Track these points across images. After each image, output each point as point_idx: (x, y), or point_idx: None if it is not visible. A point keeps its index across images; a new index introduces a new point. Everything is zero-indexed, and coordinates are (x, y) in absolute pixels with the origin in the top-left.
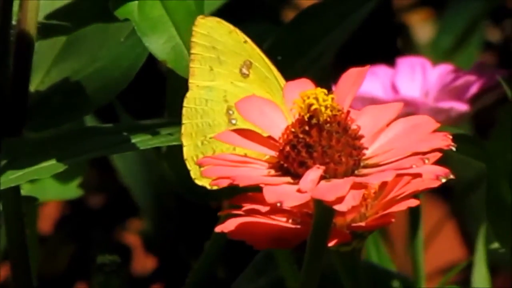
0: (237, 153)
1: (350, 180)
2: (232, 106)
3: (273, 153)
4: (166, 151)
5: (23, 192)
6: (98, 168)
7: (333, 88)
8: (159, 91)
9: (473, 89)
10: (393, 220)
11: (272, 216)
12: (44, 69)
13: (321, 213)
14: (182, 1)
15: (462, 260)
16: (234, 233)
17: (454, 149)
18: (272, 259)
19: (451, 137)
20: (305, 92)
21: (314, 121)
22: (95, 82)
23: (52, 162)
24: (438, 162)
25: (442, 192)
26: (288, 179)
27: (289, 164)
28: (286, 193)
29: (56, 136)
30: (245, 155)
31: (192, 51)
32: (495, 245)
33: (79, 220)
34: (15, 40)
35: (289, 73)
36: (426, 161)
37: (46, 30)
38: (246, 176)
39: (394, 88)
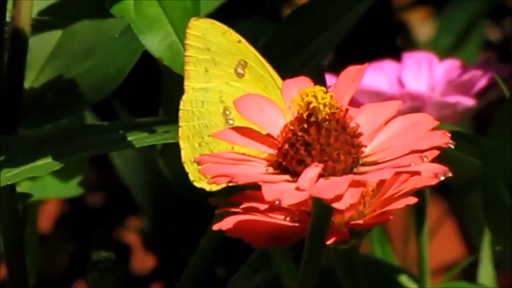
0: (235, 151)
1: (349, 178)
2: (229, 107)
3: (272, 151)
4: (161, 149)
5: (23, 190)
6: (98, 167)
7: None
8: (157, 88)
9: (480, 84)
10: (391, 217)
11: (270, 214)
12: (38, 66)
13: (320, 211)
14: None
15: (461, 258)
16: (232, 231)
17: (452, 147)
18: (268, 257)
19: (449, 135)
20: (303, 90)
21: (312, 119)
22: (90, 79)
23: (49, 160)
24: (437, 160)
25: (441, 191)
26: (287, 177)
27: (288, 162)
28: (284, 191)
29: (53, 134)
30: (244, 154)
31: (187, 53)
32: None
33: (79, 219)
34: (9, 37)
35: (283, 71)
36: (425, 159)
37: (40, 25)
38: (245, 174)
39: (401, 83)
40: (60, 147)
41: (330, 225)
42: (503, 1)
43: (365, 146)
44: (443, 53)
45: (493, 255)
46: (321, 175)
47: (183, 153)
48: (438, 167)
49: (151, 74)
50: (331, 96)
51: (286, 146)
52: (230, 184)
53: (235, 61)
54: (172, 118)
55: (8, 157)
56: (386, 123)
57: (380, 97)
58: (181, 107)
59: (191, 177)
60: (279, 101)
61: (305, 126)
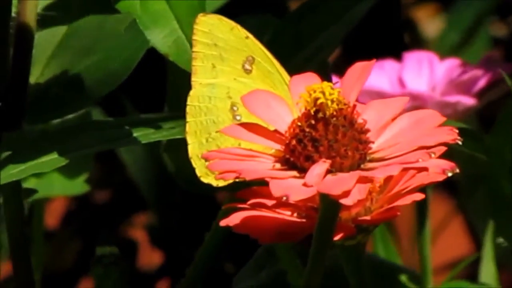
0: (243, 147)
1: (356, 174)
2: (236, 103)
3: (279, 147)
4: (166, 144)
5: (29, 186)
6: (104, 164)
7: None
8: (163, 84)
9: (480, 83)
10: (398, 213)
11: (278, 210)
12: (43, 62)
13: (327, 207)
14: None
15: (468, 256)
16: (239, 227)
17: (460, 143)
18: (273, 253)
19: (457, 131)
20: (311, 86)
21: (320, 115)
22: (95, 74)
23: (54, 156)
24: (443, 157)
25: (448, 188)
26: (294, 173)
27: (295, 158)
28: (292, 187)
29: (58, 129)
30: (251, 150)
31: (194, 49)
32: (501, 240)
33: (86, 216)
34: (14, 33)
35: (288, 67)
36: (432, 155)
37: (45, 21)
38: (253, 169)
39: (401, 82)
40: (66, 143)
41: (337, 221)
42: None
43: (373, 142)
44: (451, 50)
45: (495, 253)
46: (328, 171)
47: (190, 149)
48: (446, 163)
49: (156, 70)
50: (338, 92)
51: (294, 142)
52: (237, 180)
53: (243, 57)
54: (177, 114)
55: (13, 153)
56: (393, 120)
57: (381, 96)
58: (188, 102)
59: (198, 173)
60: (286, 97)
61: (313, 122)
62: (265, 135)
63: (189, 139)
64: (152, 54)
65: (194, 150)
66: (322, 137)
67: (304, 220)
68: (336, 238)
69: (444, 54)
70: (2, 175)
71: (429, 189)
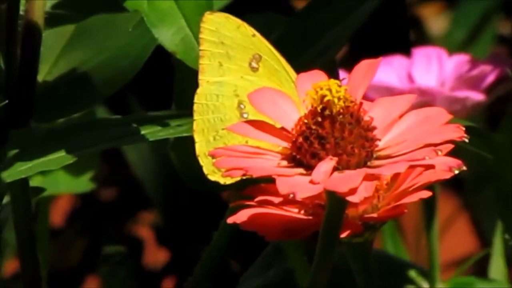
0: (250, 145)
1: (363, 171)
2: (243, 100)
3: (286, 145)
4: (173, 143)
5: (35, 184)
6: (110, 162)
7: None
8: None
9: (489, 79)
10: (405, 211)
11: (284, 207)
12: (52, 60)
13: (334, 204)
14: None
15: (473, 252)
16: (246, 224)
17: (466, 140)
18: (281, 251)
19: (463, 128)
20: (318, 83)
21: (327, 112)
22: (103, 72)
23: (61, 153)
24: (450, 155)
25: (454, 185)
26: (301, 170)
27: (302, 156)
28: (299, 184)
29: (65, 127)
30: (258, 147)
31: (201, 47)
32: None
33: (91, 214)
34: (22, 31)
35: (295, 65)
36: (439, 152)
37: (53, 19)
38: (259, 167)
39: (410, 78)
40: (73, 141)
41: (344, 218)
42: None
43: (379, 140)
44: (456, 48)
45: (505, 250)
46: (335, 169)
47: (197, 147)
48: (452, 161)
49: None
50: (345, 90)
51: (300, 139)
52: (244, 177)
53: (249, 55)
54: (184, 112)
55: (21, 151)
56: (399, 117)
57: (389, 92)
58: (195, 100)
59: (205, 171)
60: (293, 94)
61: (319, 119)
62: (272, 133)
63: (196, 137)
64: (159, 52)
65: (201, 148)
66: (328, 135)
67: (311, 217)
68: (343, 235)
69: (449, 51)
70: (10, 172)
71: (437, 186)
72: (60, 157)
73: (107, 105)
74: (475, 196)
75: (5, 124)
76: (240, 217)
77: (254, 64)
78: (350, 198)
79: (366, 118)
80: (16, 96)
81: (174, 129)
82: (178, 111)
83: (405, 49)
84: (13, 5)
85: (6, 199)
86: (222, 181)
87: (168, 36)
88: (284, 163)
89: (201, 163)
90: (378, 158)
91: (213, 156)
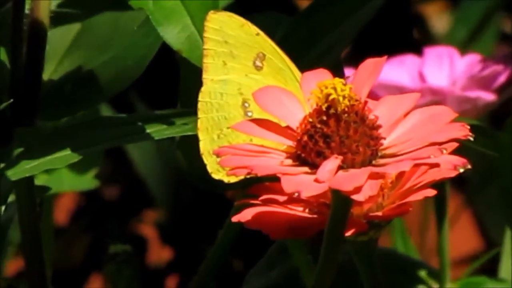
0: (254, 143)
1: (368, 170)
2: (247, 99)
3: (291, 143)
4: (179, 141)
5: (39, 183)
6: (113, 160)
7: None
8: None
9: (501, 79)
10: (410, 209)
11: (289, 206)
12: (57, 58)
13: (339, 203)
14: None
15: (478, 251)
16: (251, 222)
17: (471, 139)
18: (286, 251)
19: (468, 127)
20: (323, 82)
21: (332, 111)
22: (108, 71)
23: (67, 152)
24: (454, 153)
25: (458, 184)
26: (306, 169)
27: (307, 154)
28: (303, 183)
29: (70, 126)
30: (262, 146)
31: (205, 46)
32: None
33: (95, 212)
34: (28, 29)
35: (300, 64)
36: (444, 151)
37: (58, 18)
38: (264, 165)
39: (422, 77)
40: (78, 139)
41: (349, 216)
42: None
43: (384, 138)
44: (459, 46)
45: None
46: (340, 167)
47: (201, 145)
48: (457, 159)
49: (169, 67)
50: (350, 88)
51: (305, 138)
52: (249, 176)
53: (253, 54)
54: (190, 110)
55: (26, 149)
56: (404, 116)
57: (401, 91)
58: (200, 98)
59: (209, 169)
60: (297, 93)
61: (324, 118)
62: (276, 131)
63: (201, 136)
64: (164, 51)
65: (205, 147)
66: (333, 133)
67: (315, 216)
68: (348, 233)
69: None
70: (15, 171)
71: (447, 185)
72: (66, 155)
73: (110, 103)
74: (479, 194)
75: (10, 123)
76: (244, 215)
77: (258, 63)
78: (355, 197)
79: (371, 116)
80: (21, 94)
81: (180, 128)
82: (183, 110)
83: (408, 47)
84: (19, 3)
85: (11, 198)
86: (226, 179)
87: (174, 34)
88: (289, 161)
89: (205, 161)
90: (383, 156)
91: (217, 155)
